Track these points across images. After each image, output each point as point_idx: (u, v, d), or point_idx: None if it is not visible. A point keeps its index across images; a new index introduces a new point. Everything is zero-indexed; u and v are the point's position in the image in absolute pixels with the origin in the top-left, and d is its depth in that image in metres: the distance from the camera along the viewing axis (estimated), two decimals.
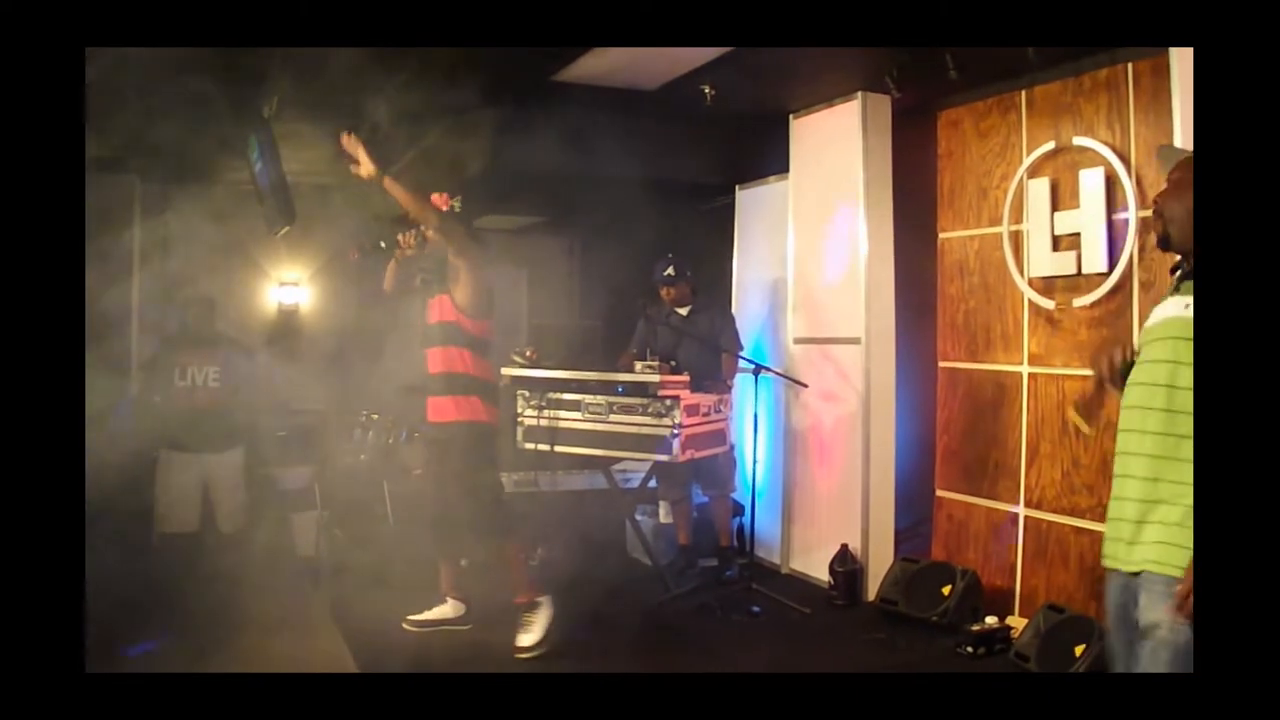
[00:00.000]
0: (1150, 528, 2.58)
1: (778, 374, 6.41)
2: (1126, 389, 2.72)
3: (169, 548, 6.07)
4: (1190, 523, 2.47)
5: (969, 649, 5.02)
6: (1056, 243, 5.30)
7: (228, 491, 6.25)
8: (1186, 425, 2.50)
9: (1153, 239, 4.60)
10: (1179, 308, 2.61)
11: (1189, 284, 2.59)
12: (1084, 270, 5.14)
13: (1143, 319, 2.86)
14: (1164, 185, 2.77)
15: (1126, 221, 4.93)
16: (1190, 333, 2.50)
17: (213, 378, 6.15)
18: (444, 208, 5.10)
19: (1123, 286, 4.93)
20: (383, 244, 5.25)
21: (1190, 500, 2.46)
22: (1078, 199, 5.17)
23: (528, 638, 5.00)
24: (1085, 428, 2.88)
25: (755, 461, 6.28)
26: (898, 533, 6.26)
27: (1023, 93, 5.56)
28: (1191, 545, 2.43)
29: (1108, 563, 2.72)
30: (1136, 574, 2.60)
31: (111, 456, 5.62)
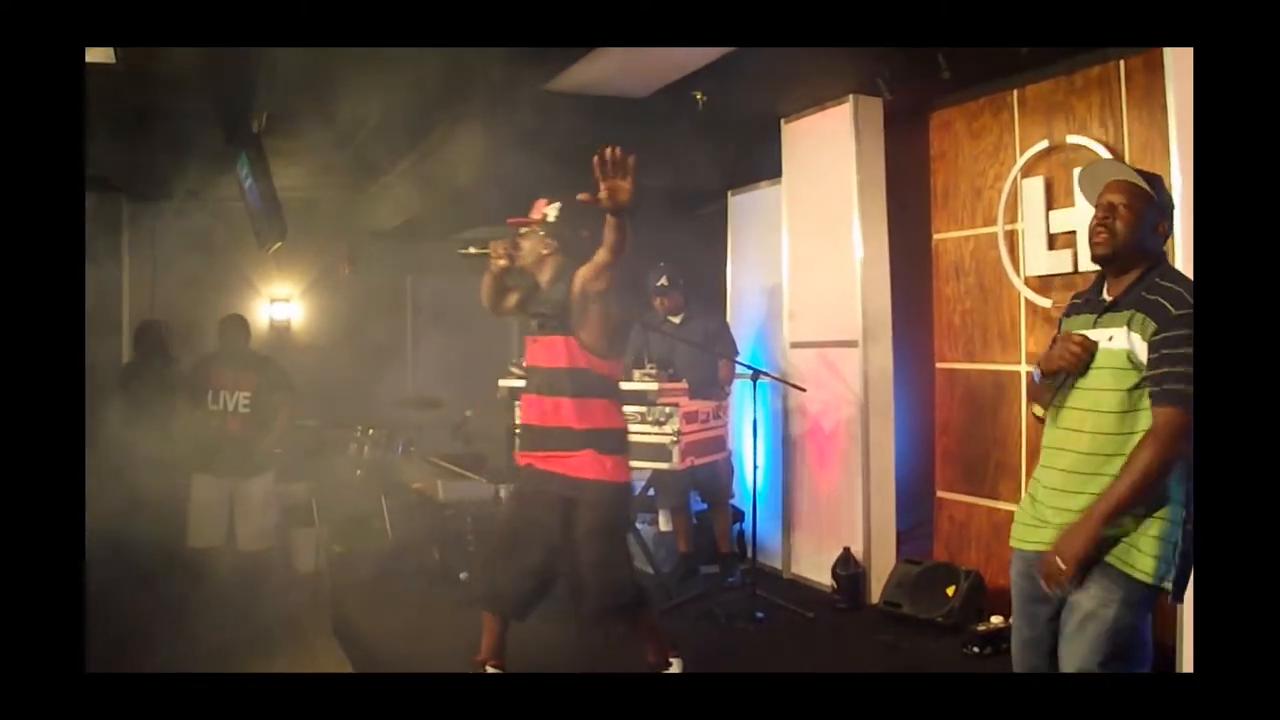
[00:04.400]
0: (1070, 515, 2.87)
1: (775, 379, 6.39)
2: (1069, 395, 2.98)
3: (194, 562, 6.06)
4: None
5: (975, 649, 5.00)
6: (1052, 241, 5.30)
7: (253, 514, 6.24)
8: (1110, 445, 2.83)
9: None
10: (1103, 339, 2.88)
11: (1113, 315, 2.90)
12: (1080, 268, 5.13)
13: None
14: (1110, 204, 2.96)
15: None
16: (1118, 363, 2.84)
17: (243, 404, 6.14)
18: (535, 215, 4.29)
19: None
20: (472, 249, 4.34)
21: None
22: (1072, 197, 5.16)
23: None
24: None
25: (755, 467, 6.26)
26: (899, 535, 6.25)
27: (1015, 92, 5.56)
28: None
29: (1015, 544, 3.07)
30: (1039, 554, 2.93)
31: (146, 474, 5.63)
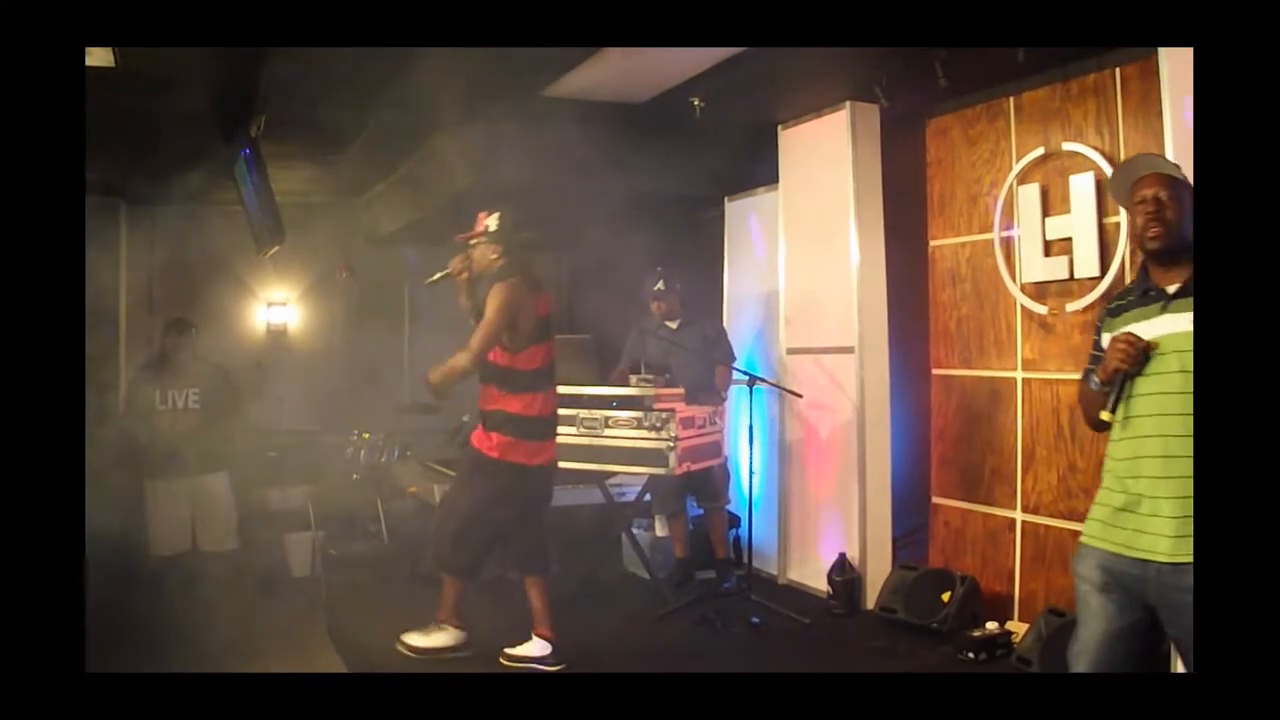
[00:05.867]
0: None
1: (772, 385, 6.40)
2: (1138, 399, 2.83)
3: (162, 571, 6.04)
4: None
5: (971, 655, 5.01)
6: (1048, 248, 5.31)
7: (213, 513, 6.23)
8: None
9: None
10: (1188, 324, 2.73)
11: (1186, 301, 2.77)
12: (1076, 275, 5.15)
13: None
14: (1155, 197, 2.90)
15: (1118, 225, 4.93)
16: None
17: (193, 400, 6.14)
18: (479, 227, 4.89)
19: (1115, 290, 4.93)
20: (437, 275, 5.02)
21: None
22: (1068, 204, 5.18)
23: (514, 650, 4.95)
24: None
25: (751, 472, 6.26)
26: (895, 541, 6.25)
27: (1011, 99, 5.58)
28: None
29: (1152, 555, 2.71)
30: (1177, 565, 2.64)
31: (103, 482, 5.61)
